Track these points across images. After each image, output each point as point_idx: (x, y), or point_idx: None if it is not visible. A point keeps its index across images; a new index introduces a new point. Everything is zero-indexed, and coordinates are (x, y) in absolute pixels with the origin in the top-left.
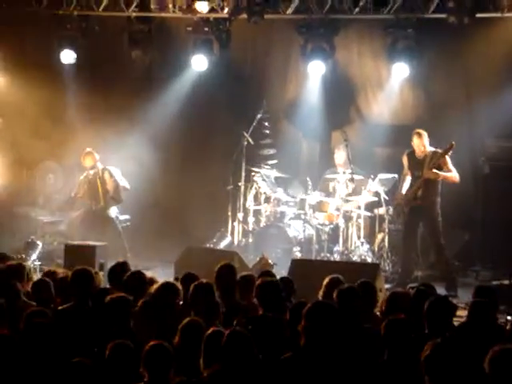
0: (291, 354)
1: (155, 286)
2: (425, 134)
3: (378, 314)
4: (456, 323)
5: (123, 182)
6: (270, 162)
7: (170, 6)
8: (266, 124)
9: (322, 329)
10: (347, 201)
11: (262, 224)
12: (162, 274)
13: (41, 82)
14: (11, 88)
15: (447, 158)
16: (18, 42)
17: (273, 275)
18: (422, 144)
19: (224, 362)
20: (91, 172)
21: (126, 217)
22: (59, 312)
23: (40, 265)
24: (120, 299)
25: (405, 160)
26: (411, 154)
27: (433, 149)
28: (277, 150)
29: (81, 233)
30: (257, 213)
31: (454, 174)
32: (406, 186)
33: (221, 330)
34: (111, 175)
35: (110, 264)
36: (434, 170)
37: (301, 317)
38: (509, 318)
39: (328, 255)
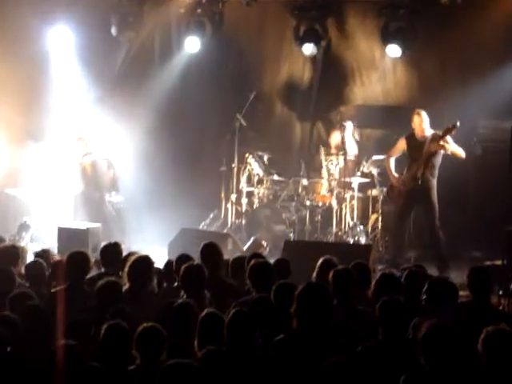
0: (284, 336)
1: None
2: (425, 114)
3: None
4: None
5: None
6: (260, 144)
7: None
8: (259, 106)
9: (314, 310)
10: (340, 182)
11: (255, 205)
12: (155, 255)
13: (29, 62)
14: None
15: (449, 138)
16: (5, 23)
17: (263, 257)
18: (422, 123)
19: (226, 341)
20: (87, 159)
21: (120, 198)
22: (53, 294)
23: (33, 247)
24: (111, 283)
25: (401, 142)
26: (411, 137)
27: (432, 131)
28: (270, 132)
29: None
30: (250, 194)
31: (461, 150)
32: (393, 167)
33: (216, 311)
34: (111, 166)
35: None
36: (442, 142)
37: (284, 297)
38: (500, 292)
39: (321, 236)
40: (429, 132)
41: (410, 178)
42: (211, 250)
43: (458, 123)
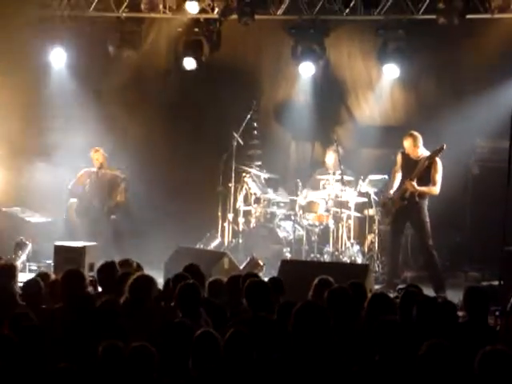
0: (281, 354)
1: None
2: (417, 137)
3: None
4: None
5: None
6: (257, 163)
7: (161, 6)
8: (255, 124)
9: (312, 329)
10: (337, 202)
11: (252, 225)
12: (151, 274)
13: (29, 81)
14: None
15: (438, 163)
16: (6, 42)
17: (257, 277)
18: (412, 146)
19: (224, 361)
20: (103, 172)
21: (114, 217)
22: (49, 313)
23: (29, 265)
24: (109, 303)
25: (398, 158)
26: (405, 154)
27: (428, 153)
28: (266, 151)
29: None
30: (247, 213)
31: (433, 189)
32: (396, 184)
33: (210, 330)
34: (126, 189)
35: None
36: (413, 183)
37: (288, 316)
38: (497, 313)
39: (318, 256)
40: (422, 153)
41: (398, 196)
42: (192, 272)
43: (445, 146)
